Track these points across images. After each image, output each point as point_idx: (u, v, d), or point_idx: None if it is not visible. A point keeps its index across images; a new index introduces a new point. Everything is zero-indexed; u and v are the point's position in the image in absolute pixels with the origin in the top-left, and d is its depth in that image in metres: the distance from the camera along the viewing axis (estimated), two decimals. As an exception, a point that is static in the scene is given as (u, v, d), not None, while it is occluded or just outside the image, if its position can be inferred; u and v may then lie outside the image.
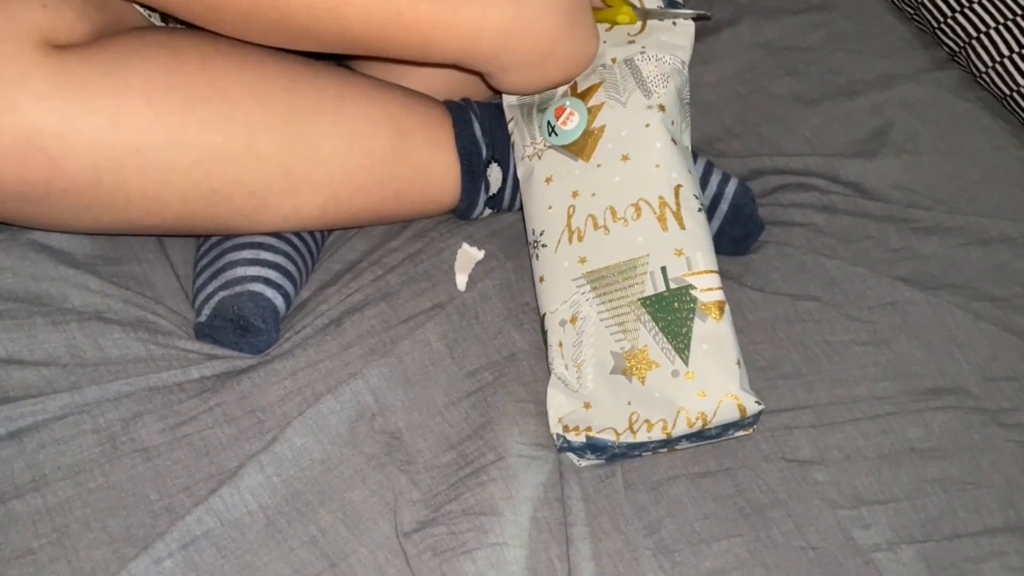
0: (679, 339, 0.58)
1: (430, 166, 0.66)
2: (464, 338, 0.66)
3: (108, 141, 0.53)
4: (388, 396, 0.63)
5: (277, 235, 0.65)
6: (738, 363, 0.58)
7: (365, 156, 0.63)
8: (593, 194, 0.63)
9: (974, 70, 0.86)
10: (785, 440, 0.64)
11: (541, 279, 0.64)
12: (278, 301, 0.63)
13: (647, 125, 0.63)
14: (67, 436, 0.57)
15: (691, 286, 0.59)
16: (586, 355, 0.61)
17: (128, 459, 0.57)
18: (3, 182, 0.52)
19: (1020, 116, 0.84)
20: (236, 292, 0.62)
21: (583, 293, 0.61)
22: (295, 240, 0.67)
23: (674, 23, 0.67)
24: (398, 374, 0.63)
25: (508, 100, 0.68)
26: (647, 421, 0.58)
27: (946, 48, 0.89)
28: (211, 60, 0.57)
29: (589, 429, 0.59)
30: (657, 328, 0.59)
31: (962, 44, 0.86)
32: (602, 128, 0.64)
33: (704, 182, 0.71)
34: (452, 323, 0.67)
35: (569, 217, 0.63)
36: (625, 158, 0.63)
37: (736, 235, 0.72)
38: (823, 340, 0.69)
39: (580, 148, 0.64)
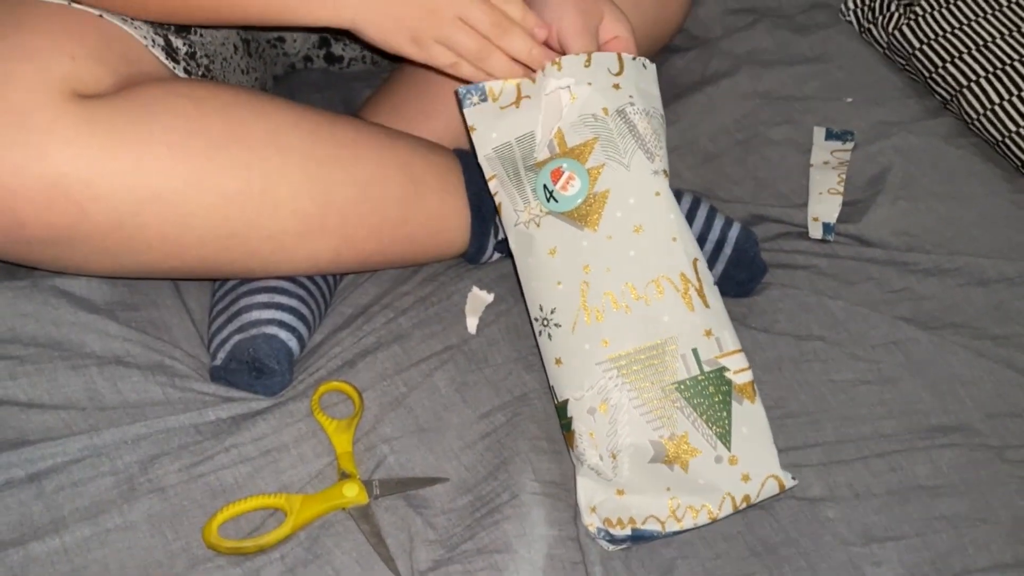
0: (719, 424, 0.58)
1: (441, 211, 0.68)
2: (475, 381, 0.67)
3: (131, 186, 0.55)
4: (402, 443, 0.63)
5: (291, 279, 0.67)
6: (773, 443, 0.59)
7: (378, 201, 0.65)
8: (608, 269, 0.60)
9: (966, 117, 0.88)
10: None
11: (558, 361, 0.60)
12: (292, 343, 0.65)
13: (657, 194, 0.61)
14: (85, 478, 0.58)
15: (724, 368, 0.59)
16: (622, 444, 0.58)
17: (145, 499, 0.58)
18: (29, 225, 0.54)
19: (1012, 160, 0.87)
20: (251, 335, 0.63)
21: (611, 379, 0.58)
22: (309, 284, 0.68)
23: (644, 65, 0.65)
24: (410, 423, 0.64)
25: (484, 151, 0.63)
26: (691, 507, 0.58)
27: (938, 97, 0.91)
28: (231, 109, 0.59)
29: (632, 521, 0.58)
30: (696, 414, 0.58)
31: (953, 93, 0.89)
32: (606, 193, 0.60)
33: (708, 226, 0.73)
34: (461, 367, 0.68)
35: (583, 295, 0.60)
36: (638, 229, 0.60)
37: (740, 278, 0.74)
38: (829, 379, 0.70)
39: (584, 216, 0.60)
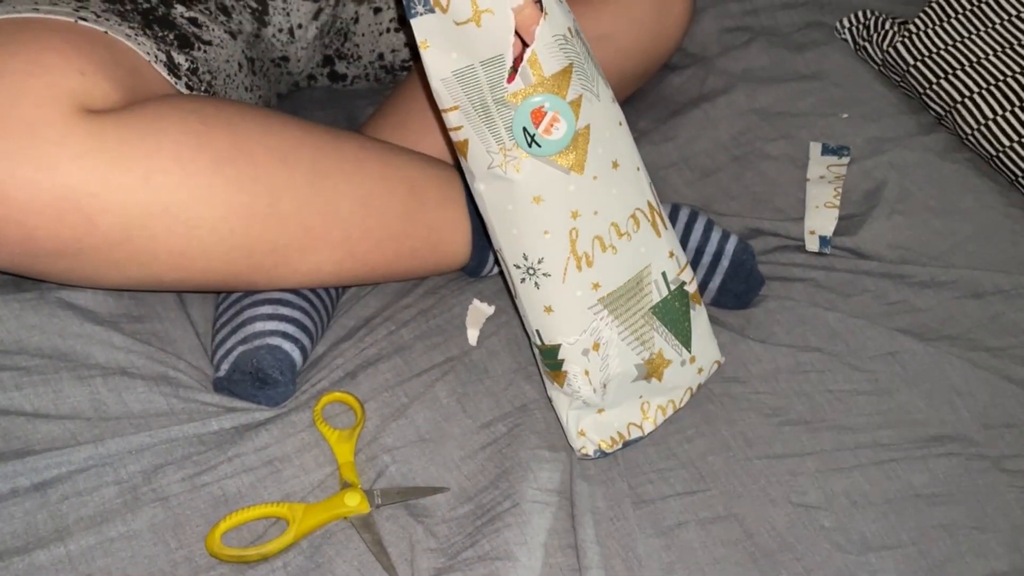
0: (683, 333, 0.63)
1: (443, 225, 0.69)
2: (476, 392, 0.68)
3: (139, 199, 0.56)
4: (404, 453, 0.64)
5: (295, 292, 0.68)
6: (713, 332, 0.65)
7: (381, 215, 0.66)
8: (596, 212, 0.57)
9: (960, 132, 0.89)
10: (791, 486, 0.65)
11: (547, 309, 0.59)
12: (295, 354, 0.65)
13: (620, 123, 0.58)
14: (90, 487, 0.58)
15: (684, 282, 0.63)
16: (612, 374, 0.61)
17: (148, 509, 0.58)
18: (39, 238, 0.54)
19: (1006, 174, 0.88)
20: (255, 346, 0.64)
21: (602, 319, 0.60)
22: (312, 297, 0.69)
23: None
24: (411, 433, 0.65)
25: (441, 74, 0.54)
26: (659, 407, 0.64)
27: (932, 112, 0.92)
28: (238, 124, 0.60)
29: (621, 435, 0.62)
30: (667, 330, 0.62)
31: (948, 108, 0.90)
32: (588, 129, 0.56)
33: (705, 239, 0.74)
34: (462, 378, 0.68)
35: (572, 242, 0.57)
36: (616, 165, 0.57)
37: (738, 290, 0.74)
38: (826, 389, 0.71)
39: (569, 157, 0.56)
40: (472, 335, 0.71)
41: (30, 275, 0.60)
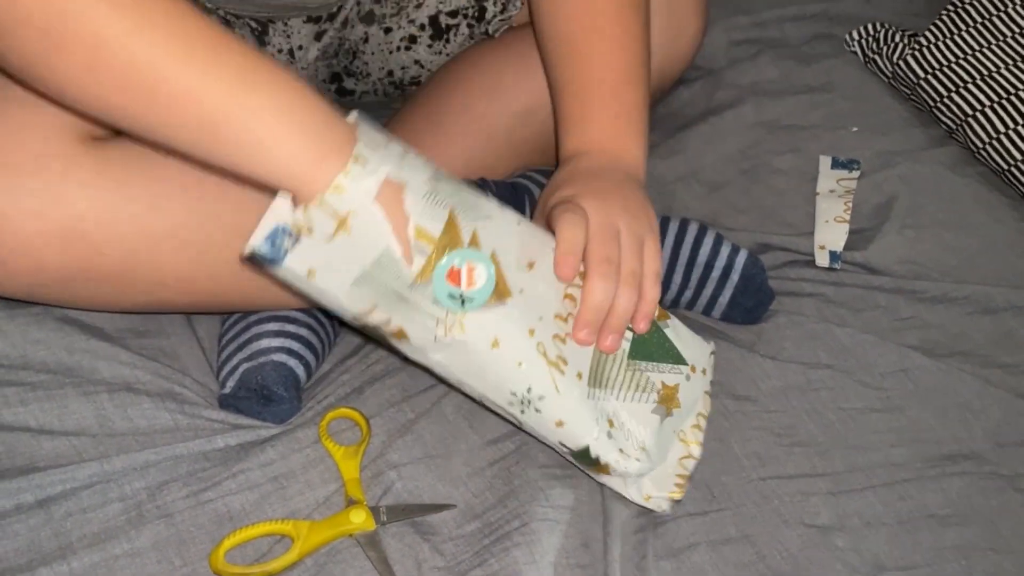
0: (670, 354, 0.62)
1: None
2: (482, 409, 0.67)
3: (145, 226, 0.56)
4: (410, 470, 0.63)
5: (301, 309, 0.67)
6: (692, 331, 0.64)
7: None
8: (540, 318, 0.57)
9: (971, 146, 0.89)
10: (803, 506, 0.64)
11: (559, 423, 0.58)
12: (300, 371, 0.65)
13: (518, 223, 0.57)
14: (94, 504, 0.58)
15: None
16: (641, 435, 0.59)
17: (153, 526, 0.58)
18: (46, 267, 0.54)
19: (1018, 189, 0.87)
20: (260, 363, 0.64)
21: (600, 400, 0.59)
22: (319, 314, 0.68)
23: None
24: (418, 450, 0.64)
25: (342, 290, 0.52)
26: (693, 427, 0.63)
27: (943, 126, 0.92)
28: None
29: (682, 475, 0.62)
30: (654, 362, 0.61)
31: (959, 122, 0.89)
32: (495, 255, 0.55)
33: (714, 253, 0.73)
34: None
35: (544, 356, 0.57)
36: (531, 266, 0.57)
37: (748, 305, 0.74)
38: (837, 407, 0.70)
39: (497, 292, 0.55)
40: None
41: (40, 302, 0.60)
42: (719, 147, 0.90)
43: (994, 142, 0.87)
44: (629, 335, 0.61)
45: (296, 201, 0.51)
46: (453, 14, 0.78)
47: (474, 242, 0.54)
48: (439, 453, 0.64)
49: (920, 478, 0.67)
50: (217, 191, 0.57)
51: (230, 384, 0.64)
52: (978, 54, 0.90)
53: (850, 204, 0.85)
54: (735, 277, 0.73)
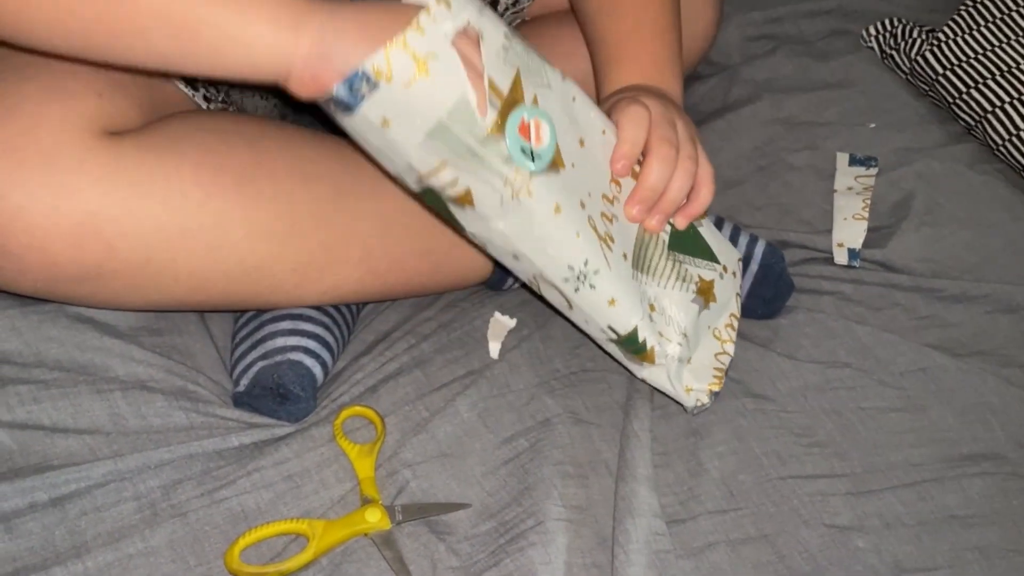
0: (705, 251, 0.65)
1: (464, 240, 0.68)
2: (497, 407, 0.67)
3: (159, 222, 0.55)
4: (425, 469, 0.63)
5: (315, 307, 0.67)
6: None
7: (402, 232, 0.65)
8: (590, 194, 0.58)
9: (991, 143, 0.88)
10: (823, 507, 0.63)
11: (612, 302, 0.59)
12: (316, 370, 0.65)
13: (574, 99, 0.58)
14: (108, 503, 0.57)
15: None
16: (682, 321, 0.62)
17: (167, 524, 0.57)
18: (59, 263, 0.54)
19: (1039, 186, 0.86)
20: (276, 361, 0.63)
21: (642, 281, 0.61)
22: (333, 311, 0.68)
23: None
24: (432, 448, 0.64)
25: (415, 141, 0.51)
26: (727, 325, 0.66)
27: (962, 123, 0.91)
28: (257, 142, 0.60)
29: (719, 369, 0.65)
30: (691, 256, 0.64)
31: (978, 119, 0.88)
32: (551, 123, 0.56)
33: (732, 243, 0.73)
34: (483, 392, 0.67)
35: (595, 229, 0.58)
36: (582, 143, 0.58)
37: (767, 295, 0.73)
38: (857, 407, 0.69)
39: (554, 159, 0.56)
40: (494, 348, 0.70)
41: (53, 299, 0.60)
42: (735, 144, 0.89)
43: (1014, 139, 0.86)
44: (668, 227, 0.62)
45: (288, 79, 0.50)
46: None
47: (534, 103, 0.54)
48: (454, 452, 0.64)
49: (940, 478, 0.66)
50: (232, 187, 0.57)
51: (244, 382, 0.64)
52: (997, 50, 0.89)
53: (868, 201, 0.84)
54: (754, 267, 0.73)
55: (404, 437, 0.64)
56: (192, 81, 0.63)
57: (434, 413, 0.66)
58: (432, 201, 0.56)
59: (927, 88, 0.93)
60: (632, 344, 0.61)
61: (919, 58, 0.92)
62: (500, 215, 0.55)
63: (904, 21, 0.96)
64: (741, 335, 0.72)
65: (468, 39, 0.51)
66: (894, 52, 0.95)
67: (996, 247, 0.82)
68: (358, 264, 0.63)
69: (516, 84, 0.53)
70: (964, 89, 0.89)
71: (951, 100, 0.90)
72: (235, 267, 0.59)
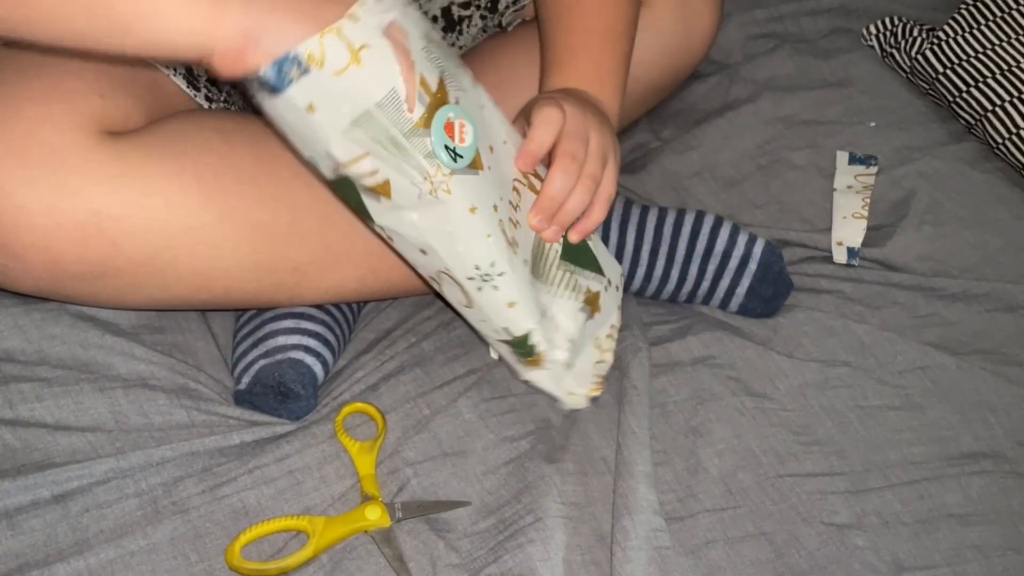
0: (592, 263, 0.65)
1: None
2: (498, 406, 0.67)
3: (162, 221, 0.55)
4: (425, 467, 0.63)
5: (316, 306, 0.67)
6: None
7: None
8: (501, 198, 0.58)
9: (991, 142, 0.88)
10: (822, 505, 0.64)
11: (511, 304, 0.59)
12: (317, 368, 0.65)
13: (482, 107, 0.58)
14: (110, 500, 0.58)
15: None
16: (570, 329, 0.63)
17: (169, 521, 0.58)
18: (63, 262, 0.54)
19: (1039, 185, 0.86)
20: (277, 360, 0.64)
21: (536, 287, 0.61)
22: (334, 310, 0.68)
23: None
24: (433, 447, 0.64)
25: (339, 128, 0.51)
26: (607, 336, 0.67)
27: (962, 121, 0.91)
28: (259, 142, 0.60)
29: (598, 376, 0.66)
30: (580, 268, 0.64)
31: (978, 117, 0.88)
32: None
33: (731, 243, 0.73)
34: (484, 392, 0.67)
35: (503, 232, 0.58)
36: (492, 149, 0.58)
37: (766, 294, 0.73)
38: (856, 405, 0.69)
39: (475, 159, 0.56)
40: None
41: (56, 298, 0.60)
42: (735, 142, 0.89)
43: (1014, 137, 0.86)
44: (561, 238, 0.63)
45: (203, 62, 0.49)
46: (465, 5, 0.78)
47: (457, 104, 0.54)
48: (454, 450, 0.64)
49: (940, 477, 0.66)
50: (234, 186, 0.57)
51: (246, 380, 0.64)
52: (998, 48, 0.89)
53: (868, 200, 0.84)
54: (753, 266, 0.73)
55: (405, 435, 0.65)
56: (194, 81, 0.64)
57: (435, 411, 0.66)
58: (344, 190, 0.55)
59: (927, 87, 0.93)
60: (522, 347, 0.62)
61: (919, 56, 0.92)
62: (414, 208, 0.54)
63: (904, 20, 0.96)
64: (741, 334, 0.73)
65: (398, 33, 0.51)
66: (894, 51, 0.95)
67: (996, 246, 0.82)
68: (359, 263, 0.64)
69: (441, 84, 0.53)
70: (964, 88, 0.89)
71: (951, 99, 0.90)
72: (237, 265, 0.59)
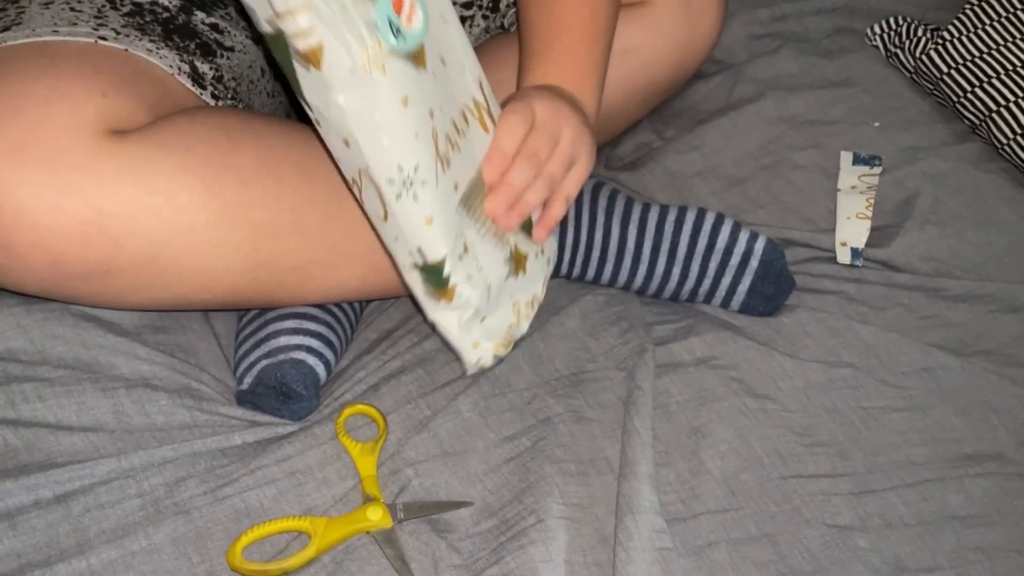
0: (527, 226, 0.63)
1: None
2: (499, 406, 0.67)
3: (164, 220, 0.55)
4: (427, 467, 0.63)
5: (319, 305, 0.67)
6: None
7: (405, 227, 0.65)
8: (441, 109, 0.54)
9: (996, 142, 0.88)
10: (824, 506, 0.63)
11: (428, 220, 0.55)
12: (319, 369, 0.65)
13: (444, 20, 0.55)
14: (112, 500, 0.58)
15: None
16: (490, 275, 0.60)
17: (170, 522, 0.58)
18: (66, 261, 0.54)
19: (1044, 186, 0.86)
20: (279, 360, 0.64)
21: (463, 220, 0.57)
22: (336, 310, 0.68)
23: None
24: (434, 447, 0.64)
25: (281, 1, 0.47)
26: (527, 303, 0.65)
27: (967, 121, 0.91)
28: (264, 140, 0.60)
29: (508, 338, 0.64)
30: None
31: (983, 117, 0.88)
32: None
33: (732, 240, 0.73)
34: (484, 392, 0.67)
35: (435, 142, 0.54)
36: (443, 61, 0.55)
37: (768, 292, 0.73)
38: (859, 406, 0.69)
39: (419, 53, 0.52)
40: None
41: (58, 298, 0.60)
42: (739, 142, 0.89)
43: (1019, 138, 0.85)
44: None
45: None
46: (468, 5, 0.78)
47: None
48: (455, 450, 0.64)
49: (943, 478, 0.66)
50: (237, 184, 0.57)
51: (247, 380, 0.64)
52: (1002, 48, 0.89)
53: (872, 200, 0.84)
54: (754, 263, 0.73)
55: (406, 435, 0.65)
56: (199, 80, 0.63)
57: (436, 411, 0.66)
58: (277, 51, 0.50)
59: (932, 87, 0.93)
60: (435, 276, 0.57)
61: (924, 57, 0.92)
62: (344, 86, 0.50)
63: (909, 19, 0.96)
64: (744, 334, 0.72)
65: None
66: (899, 51, 0.95)
67: (1000, 246, 0.82)
68: (362, 261, 0.64)
69: None
70: (969, 88, 0.89)
71: (956, 99, 0.90)
72: (238, 264, 0.59)
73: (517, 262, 0.63)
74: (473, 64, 0.59)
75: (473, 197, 0.58)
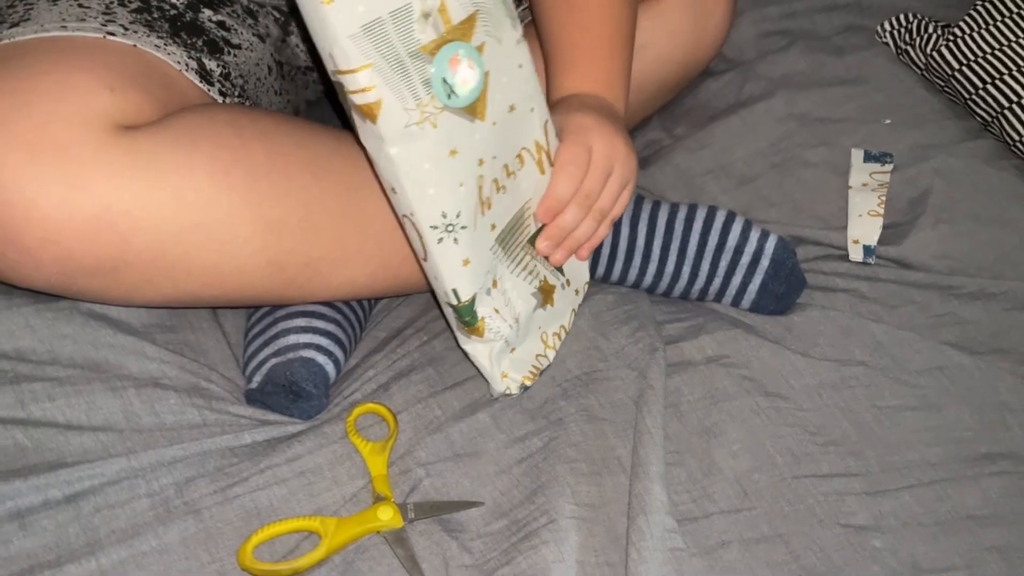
0: None
1: None
2: (510, 405, 0.67)
3: (172, 216, 0.55)
4: (437, 467, 0.63)
5: (328, 303, 0.67)
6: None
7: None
8: (494, 157, 0.57)
9: (1007, 139, 0.87)
10: (838, 506, 0.63)
11: (465, 262, 0.58)
12: (329, 367, 0.64)
13: (520, 66, 0.57)
14: (122, 500, 0.57)
15: None
16: (519, 308, 0.63)
17: (180, 522, 0.57)
18: (75, 257, 0.54)
19: (1057, 183, 0.85)
20: (288, 359, 0.63)
21: (496, 256, 0.61)
22: (345, 309, 0.68)
23: None
24: (445, 447, 0.64)
25: (349, 30, 0.49)
26: (554, 333, 0.68)
27: (978, 118, 0.90)
28: (272, 136, 0.60)
29: (536, 368, 0.66)
30: (543, 258, 0.65)
31: (994, 114, 0.87)
32: (487, 75, 0.55)
33: (743, 239, 0.72)
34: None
35: (480, 189, 0.57)
36: (512, 109, 0.57)
37: (778, 291, 0.73)
38: (872, 405, 0.69)
39: (475, 106, 0.55)
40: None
41: (66, 295, 0.60)
42: (749, 140, 0.88)
43: (1032, 134, 0.85)
44: (537, 222, 0.64)
45: None
46: None
47: (479, 49, 0.54)
48: (466, 450, 0.64)
49: (958, 478, 0.65)
50: (245, 181, 0.57)
51: (257, 379, 0.64)
52: (1014, 44, 0.88)
53: (883, 198, 0.83)
54: (765, 262, 0.72)
55: (417, 435, 0.64)
56: (207, 76, 0.63)
57: (447, 411, 0.66)
58: (342, 96, 0.54)
59: (943, 84, 0.92)
60: (468, 314, 0.61)
61: (935, 54, 0.91)
62: (398, 139, 0.53)
63: (919, 16, 0.96)
64: (755, 333, 0.72)
65: None
66: (909, 48, 0.94)
67: (1013, 244, 0.81)
68: (371, 259, 0.63)
69: (469, 22, 0.52)
70: (980, 85, 0.88)
71: (967, 96, 0.89)
72: (247, 261, 0.59)
73: (545, 294, 0.66)
74: (541, 107, 0.61)
75: (510, 235, 0.61)
